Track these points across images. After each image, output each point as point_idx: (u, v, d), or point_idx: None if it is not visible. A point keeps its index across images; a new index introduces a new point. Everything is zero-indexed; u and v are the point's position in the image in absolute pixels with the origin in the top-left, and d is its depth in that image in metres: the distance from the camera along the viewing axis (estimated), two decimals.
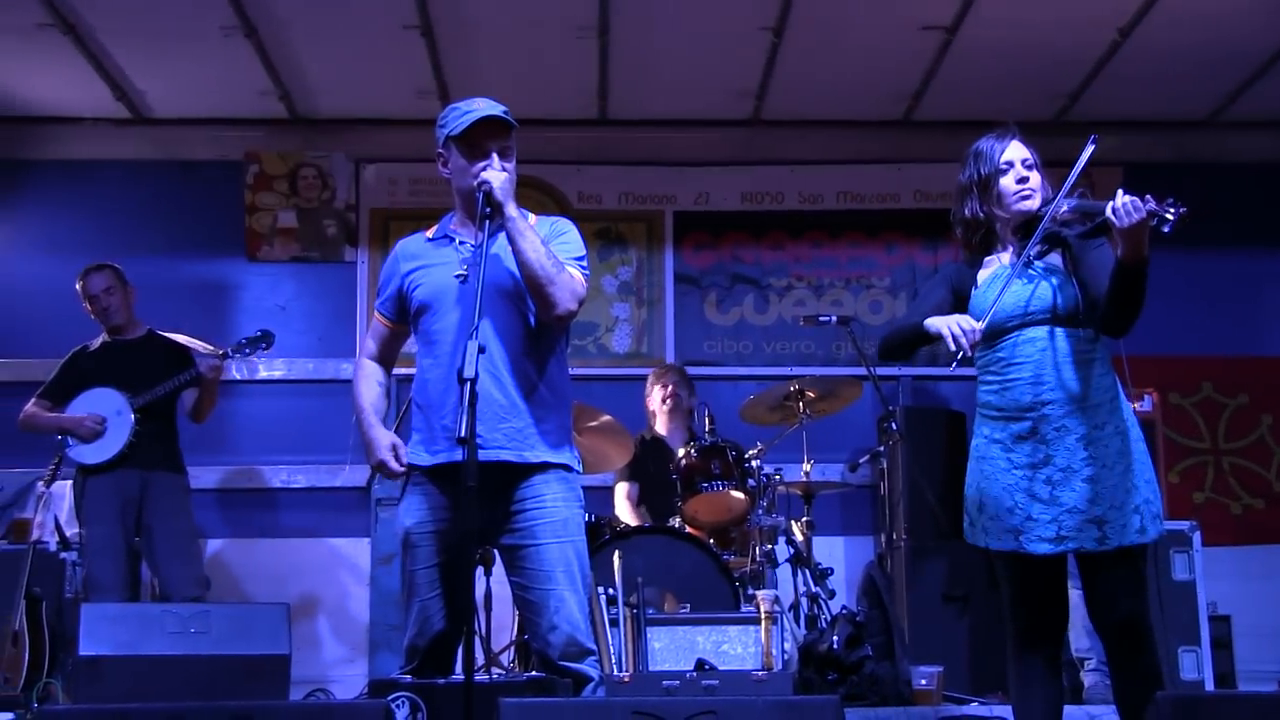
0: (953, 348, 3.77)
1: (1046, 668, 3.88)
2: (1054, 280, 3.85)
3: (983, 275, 3.97)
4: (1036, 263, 3.88)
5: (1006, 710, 5.31)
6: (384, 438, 4.09)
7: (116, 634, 5.26)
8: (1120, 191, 3.60)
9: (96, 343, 6.72)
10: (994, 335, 3.86)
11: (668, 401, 7.05)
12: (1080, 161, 3.86)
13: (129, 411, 6.44)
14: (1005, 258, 3.96)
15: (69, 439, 6.42)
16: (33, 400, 6.61)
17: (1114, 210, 3.58)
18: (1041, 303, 3.83)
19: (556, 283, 3.92)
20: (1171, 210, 3.55)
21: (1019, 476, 3.81)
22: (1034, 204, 3.90)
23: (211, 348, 6.79)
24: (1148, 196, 3.59)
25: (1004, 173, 3.92)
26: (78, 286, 6.68)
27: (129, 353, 6.66)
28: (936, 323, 3.84)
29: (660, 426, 7.06)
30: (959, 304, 3.98)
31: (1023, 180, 3.91)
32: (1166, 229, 3.57)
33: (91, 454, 6.41)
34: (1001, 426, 3.86)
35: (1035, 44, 7.11)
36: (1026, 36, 7.03)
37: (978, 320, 3.79)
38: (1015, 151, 3.94)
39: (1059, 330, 3.83)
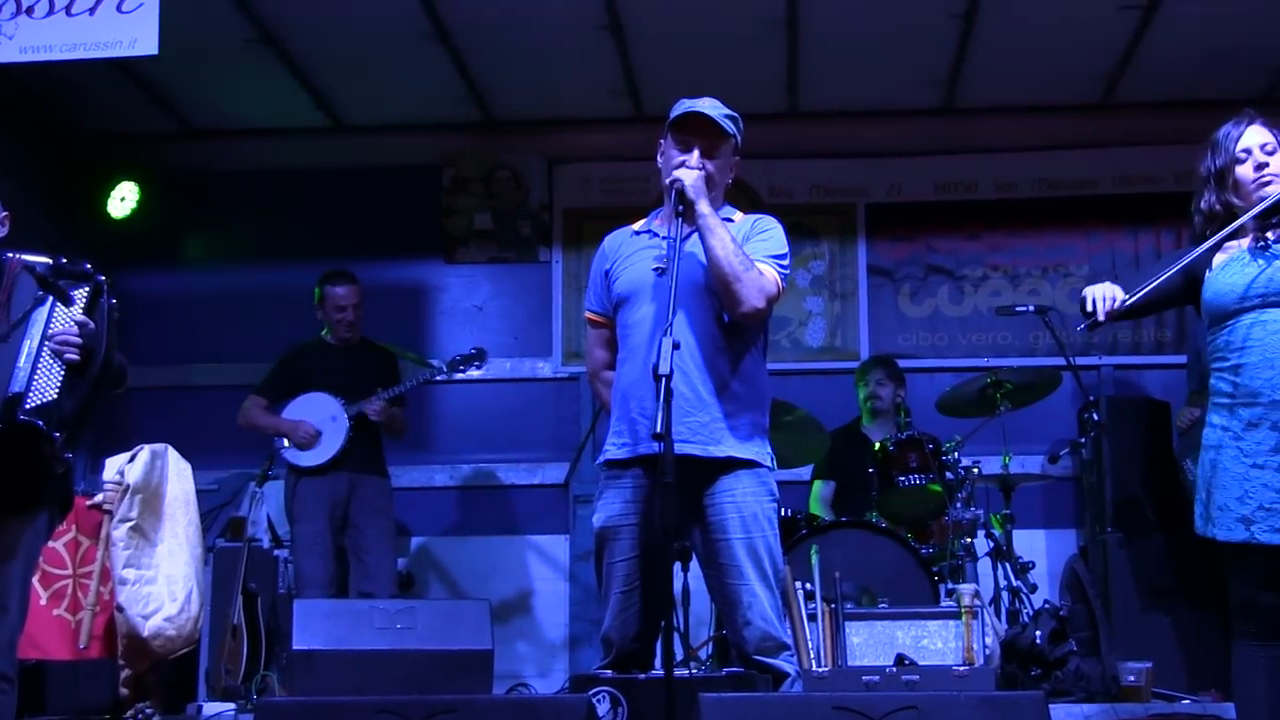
0: (1088, 308, 3.74)
1: (1275, 666, 3.68)
2: None
3: (1218, 259, 3.81)
4: (1276, 245, 3.71)
5: (1221, 708, 5.16)
6: None
7: (328, 629, 5.39)
8: None
9: (313, 343, 6.95)
10: (1222, 318, 3.73)
11: (869, 402, 7.06)
12: None
13: (345, 418, 6.67)
14: (1244, 243, 3.79)
15: (282, 440, 6.68)
16: (250, 396, 6.86)
17: None
18: (1277, 285, 3.66)
19: (744, 280, 3.91)
20: None
21: (1249, 465, 3.64)
22: (1277, 188, 3.74)
23: (429, 364, 7.03)
24: None
25: (1241, 161, 3.78)
26: (321, 291, 6.88)
27: (346, 358, 6.89)
28: (1088, 290, 3.78)
29: (867, 421, 7.06)
30: (1191, 286, 3.83)
31: (1261, 166, 3.76)
32: None
33: (307, 457, 6.67)
34: (1230, 414, 3.70)
35: (1242, 15, 6.74)
36: (1232, 8, 6.70)
37: (1126, 294, 3.73)
38: (1253, 137, 3.78)
39: None
